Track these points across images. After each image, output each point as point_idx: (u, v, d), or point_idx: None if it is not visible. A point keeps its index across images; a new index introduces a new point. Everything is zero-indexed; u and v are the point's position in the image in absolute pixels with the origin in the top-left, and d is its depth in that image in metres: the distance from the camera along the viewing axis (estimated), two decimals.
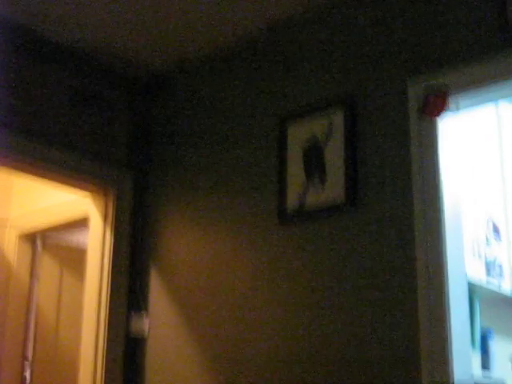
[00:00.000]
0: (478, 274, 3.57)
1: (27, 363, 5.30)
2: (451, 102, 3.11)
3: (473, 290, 3.54)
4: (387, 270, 3.14)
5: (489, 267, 3.69)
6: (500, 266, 3.78)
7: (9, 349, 5.23)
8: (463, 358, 2.95)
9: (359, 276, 3.24)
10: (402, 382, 3.00)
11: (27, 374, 5.30)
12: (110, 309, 4.15)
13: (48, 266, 5.54)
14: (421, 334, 2.97)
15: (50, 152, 4.00)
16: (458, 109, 3.16)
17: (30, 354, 5.32)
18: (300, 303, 3.43)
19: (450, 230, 3.05)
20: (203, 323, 3.84)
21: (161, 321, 4.06)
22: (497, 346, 3.83)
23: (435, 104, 3.10)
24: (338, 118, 3.45)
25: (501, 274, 3.77)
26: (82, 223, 4.82)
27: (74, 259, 5.52)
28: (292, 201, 3.55)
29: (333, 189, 3.40)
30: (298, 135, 3.60)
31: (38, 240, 5.51)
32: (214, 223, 3.93)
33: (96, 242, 4.29)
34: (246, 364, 3.59)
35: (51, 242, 5.59)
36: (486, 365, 3.75)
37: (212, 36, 4.03)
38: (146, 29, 3.99)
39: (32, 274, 5.47)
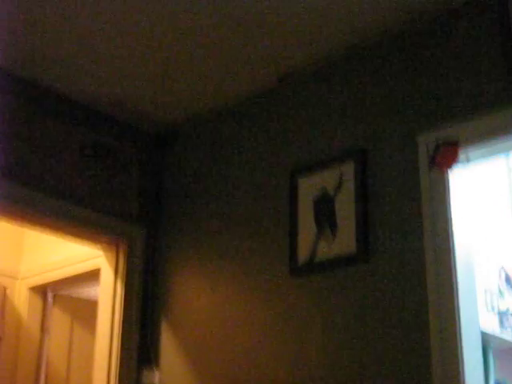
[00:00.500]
0: (491, 326, 3.55)
1: None
2: (461, 154, 3.11)
3: (486, 342, 3.51)
4: (399, 323, 3.12)
5: (502, 318, 3.66)
6: None
7: None
8: None
9: (371, 329, 3.21)
10: None
11: None
12: (120, 362, 4.12)
13: (59, 319, 5.53)
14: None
15: (61, 206, 4.01)
16: (468, 161, 3.17)
17: None
18: (311, 356, 3.40)
19: (463, 282, 3.03)
20: (214, 376, 3.80)
21: (172, 374, 4.03)
22: None
23: (445, 156, 3.11)
24: (349, 171, 3.46)
25: None
26: (92, 276, 4.82)
27: (85, 312, 5.50)
28: (303, 253, 3.54)
29: (344, 240, 3.39)
30: (309, 188, 3.61)
31: (49, 293, 5.51)
32: (225, 276, 3.92)
33: (107, 295, 4.28)
34: None
35: (62, 295, 5.59)
36: None
37: (222, 89, 4.07)
38: (156, 83, 4.03)
39: (43, 326, 5.46)
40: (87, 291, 5.61)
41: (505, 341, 3.68)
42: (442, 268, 3.04)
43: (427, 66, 3.34)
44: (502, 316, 3.64)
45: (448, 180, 3.14)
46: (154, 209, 4.43)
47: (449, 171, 3.13)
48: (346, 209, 3.42)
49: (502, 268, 3.75)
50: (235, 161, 4.08)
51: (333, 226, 3.45)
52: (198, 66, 3.85)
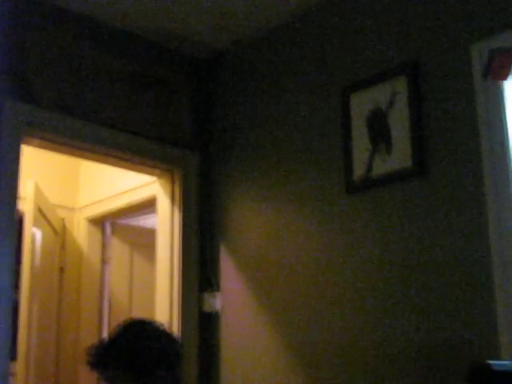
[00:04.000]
0: None
1: None
2: None
3: None
4: (458, 237, 3.11)
5: None
6: None
7: (84, 333, 5.32)
8: None
9: (429, 243, 3.21)
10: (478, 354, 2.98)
11: None
12: (182, 288, 4.18)
13: (118, 248, 5.62)
14: (497, 306, 2.92)
15: (115, 136, 4.03)
16: None
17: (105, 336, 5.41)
18: (370, 273, 3.41)
19: None
20: (275, 297, 3.85)
21: (233, 297, 4.09)
22: None
23: (500, 67, 3.04)
24: (401, 85, 3.41)
25: None
26: (149, 205, 4.87)
27: (144, 240, 5.58)
28: (358, 169, 3.53)
29: (399, 156, 3.37)
30: (361, 104, 3.57)
31: (107, 223, 5.58)
32: (280, 197, 3.93)
33: (165, 222, 4.32)
34: (318, 337, 3.59)
35: (120, 224, 5.66)
36: None
37: (271, 11, 4.02)
38: (203, 8, 3.99)
39: (103, 256, 5.55)
40: (144, 220, 5.68)
41: None
42: (500, 180, 3.01)
43: None
44: None
45: (503, 89, 3.09)
46: (205, 134, 4.44)
47: (504, 80, 3.07)
48: (399, 123, 3.39)
49: None
50: (285, 81, 4.05)
51: (387, 141, 3.43)
52: None
